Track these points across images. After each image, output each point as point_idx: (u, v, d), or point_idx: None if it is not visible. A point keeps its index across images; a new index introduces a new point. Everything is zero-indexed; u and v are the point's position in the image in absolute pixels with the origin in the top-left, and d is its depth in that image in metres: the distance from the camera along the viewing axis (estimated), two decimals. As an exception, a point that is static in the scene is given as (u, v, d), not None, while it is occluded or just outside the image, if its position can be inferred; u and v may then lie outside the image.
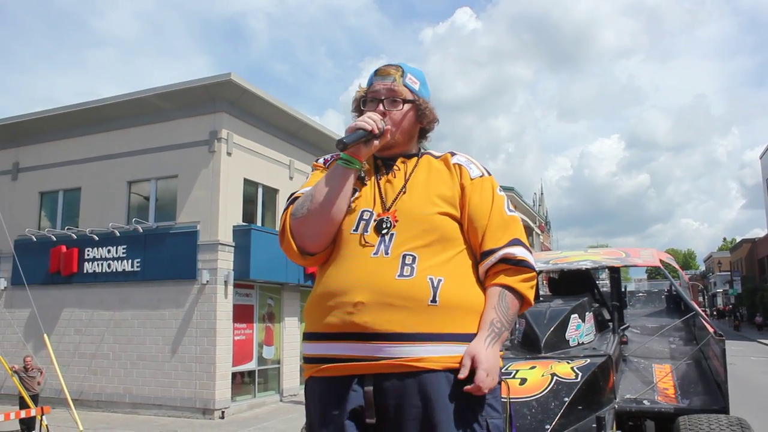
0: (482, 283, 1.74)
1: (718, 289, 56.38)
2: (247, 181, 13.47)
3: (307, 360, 1.75)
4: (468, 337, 1.64)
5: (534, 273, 1.76)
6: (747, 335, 33.31)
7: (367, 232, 1.72)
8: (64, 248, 13.88)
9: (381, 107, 1.82)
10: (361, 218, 1.75)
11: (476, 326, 1.66)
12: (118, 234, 13.27)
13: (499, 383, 1.73)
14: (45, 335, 10.49)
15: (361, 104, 1.90)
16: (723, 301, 54.43)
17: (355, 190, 1.80)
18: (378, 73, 1.89)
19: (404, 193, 1.78)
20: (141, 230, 13.04)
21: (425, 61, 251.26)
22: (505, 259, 1.72)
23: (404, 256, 1.65)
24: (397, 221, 1.71)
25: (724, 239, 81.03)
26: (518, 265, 1.73)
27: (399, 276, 1.62)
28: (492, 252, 1.73)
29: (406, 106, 1.85)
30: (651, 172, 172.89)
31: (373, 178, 1.85)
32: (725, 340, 4.14)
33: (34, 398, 10.62)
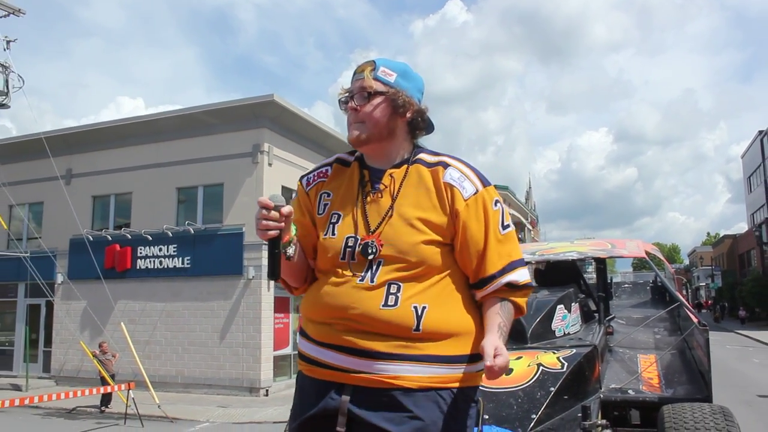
0: (470, 303, 1.77)
1: (701, 282, 58.39)
2: (284, 188, 15.22)
3: (300, 355, 1.84)
4: (448, 359, 1.68)
5: (531, 289, 1.83)
6: (726, 327, 35.28)
7: (354, 259, 1.73)
8: (117, 247, 15.58)
9: (352, 103, 1.80)
10: (346, 246, 1.75)
11: (458, 349, 1.69)
12: (171, 234, 14.98)
13: (476, 402, 1.76)
14: (122, 323, 12.23)
15: (339, 105, 1.87)
16: (705, 295, 56.49)
17: (338, 215, 1.81)
18: (354, 73, 1.86)
19: (390, 217, 1.75)
20: (192, 231, 14.76)
21: (415, 53, 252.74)
22: (509, 284, 1.75)
23: (389, 285, 1.68)
24: (382, 246, 1.71)
25: (708, 234, 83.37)
26: (521, 289, 1.77)
27: (383, 306, 1.65)
28: (492, 279, 1.74)
29: (377, 99, 1.78)
30: (639, 166, 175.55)
31: (357, 197, 1.82)
32: (708, 330, 4.19)
33: (111, 378, 12.38)
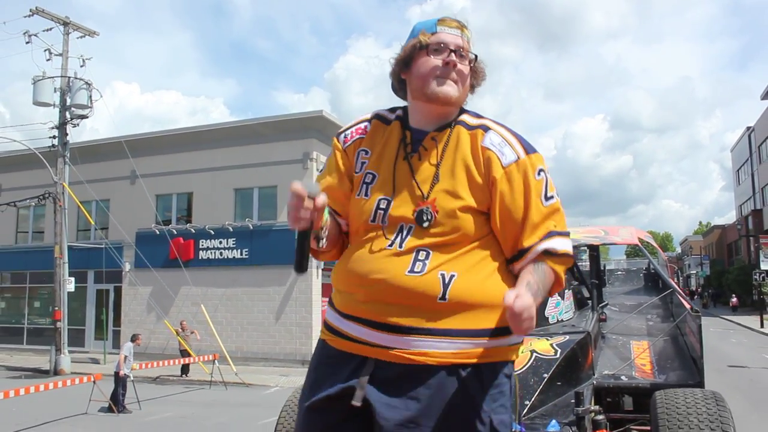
0: (503, 274, 1.68)
1: (692, 271, 60.78)
2: (328, 190, 17.62)
3: (326, 325, 1.79)
4: (476, 333, 1.60)
5: (571, 259, 1.73)
6: (713, 313, 37.61)
7: (384, 222, 1.67)
8: (181, 240, 17.91)
9: (453, 57, 1.67)
10: (378, 207, 1.69)
11: (486, 322, 1.61)
12: (231, 229, 17.33)
13: (509, 377, 1.68)
14: (202, 305, 14.57)
15: (426, 51, 1.68)
16: (695, 282, 58.96)
17: (372, 175, 1.74)
18: (443, 23, 1.71)
19: (437, 182, 1.67)
20: (251, 227, 17.12)
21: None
22: (546, 252, 1.65)
23: (418, 251, 1.61)
24: (437, 212, 1.63)
25: (700, 223, 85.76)
26: (560, 257, 1.68)
27: (409, 272, 1.59)
28: (528, 249, 1.65)
29: (469, 63, 1.72)
30: (634, 154, 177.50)
31: (395, 158, 1.73)
32: (701, 316, 4.22)
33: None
